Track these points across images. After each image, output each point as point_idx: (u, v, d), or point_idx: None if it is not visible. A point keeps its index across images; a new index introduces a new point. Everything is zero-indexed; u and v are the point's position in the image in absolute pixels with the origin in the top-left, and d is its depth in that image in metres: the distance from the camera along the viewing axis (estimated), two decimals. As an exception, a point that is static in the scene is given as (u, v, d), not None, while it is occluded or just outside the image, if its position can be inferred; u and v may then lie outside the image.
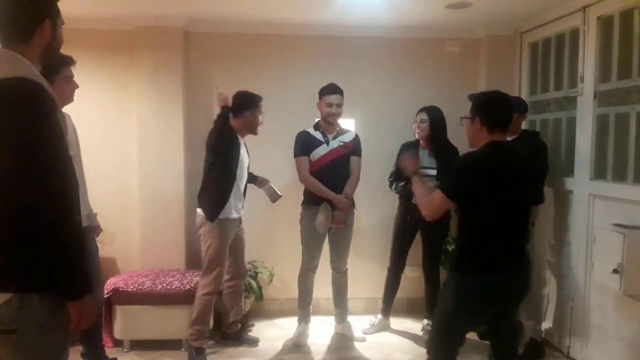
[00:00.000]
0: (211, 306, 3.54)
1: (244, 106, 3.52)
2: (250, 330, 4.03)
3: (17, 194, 1.47)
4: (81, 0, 3.39)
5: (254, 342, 3.81)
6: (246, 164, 3.64)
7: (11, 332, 1.52)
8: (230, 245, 3.57)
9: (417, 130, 3.83)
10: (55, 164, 1.53)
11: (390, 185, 3.98)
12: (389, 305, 4.11)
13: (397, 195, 3.99)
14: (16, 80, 1.50)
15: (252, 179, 3.82)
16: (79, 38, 3.71)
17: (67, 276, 1.55)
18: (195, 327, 3.47)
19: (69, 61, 2.79)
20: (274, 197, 3.75)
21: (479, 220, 2.39)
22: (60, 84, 2.71)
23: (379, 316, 4.11)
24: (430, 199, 2.45)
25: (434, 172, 3.77)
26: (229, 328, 3.82)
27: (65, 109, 2.89)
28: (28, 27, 1.60)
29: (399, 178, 3.91)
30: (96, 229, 3.26)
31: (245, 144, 3.63)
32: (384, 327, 4.10)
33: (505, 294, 2.42)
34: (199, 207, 3.53)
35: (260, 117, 3.58)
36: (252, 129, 3.58)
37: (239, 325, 3.86)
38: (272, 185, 3.78)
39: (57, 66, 2.66)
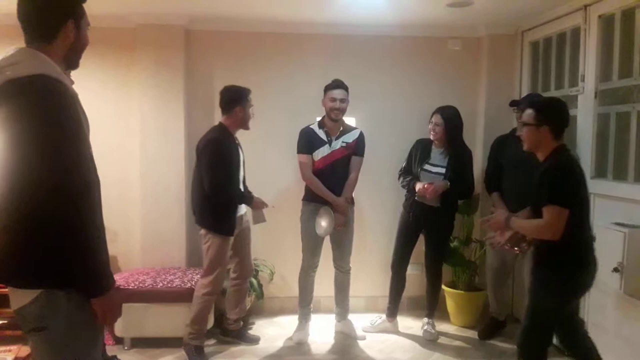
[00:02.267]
0: (211, 306, 3.52)
1: (234, 102, 3.45)
2: (250, 329, 4.04)
3: (41, 191, 1.47)
4: (83, -1, 3.42)
5: (254, 340, 3.81)
6: (242, 164, 3.58)
7: (42, 330, 1.54)
8: (235, 243, 3.56)
9: (432, 133, 3.79)
10: (77, 161, 1.53)
11: (399, 178, 3.96)
12: (394, 306, 4.03)
13: (402, 192, 3.98)
14: (38, 78, 1.51)
15: (248, 199, 3.59)
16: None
17: (88, 273, 1.55)
18: (194, 326, 3.46)
19: None
20: (258, 219, 3.64)
21: (576, 220, 2.46)
22: None
23: (382, 316, 4.09)
24: (545, 222, 2.44)
25: (442, 170, 3.76)
26: (231, 325, 3.82)
27: None
28: (52, 28, 1.62)
29: (408, 173, 3.91)
30: None
31: (237, 138, 3.58)
32: (387, 328, 4.04)
33: (588, 286, 2.59)
34: (200, 223, 3.46)
35: (250, 110, 3.51)
36: (243, 124, 3.52)
37: (242, 323, 3.87)
38: (263, 211, 3.67)
39: None
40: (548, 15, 3.85)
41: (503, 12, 3.89)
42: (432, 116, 3.81)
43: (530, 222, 2.59)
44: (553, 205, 2.41)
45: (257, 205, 3.61)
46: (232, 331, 3.82)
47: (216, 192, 3.35)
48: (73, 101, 1.57)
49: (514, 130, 3.72)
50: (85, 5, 1.74)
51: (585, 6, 3.44)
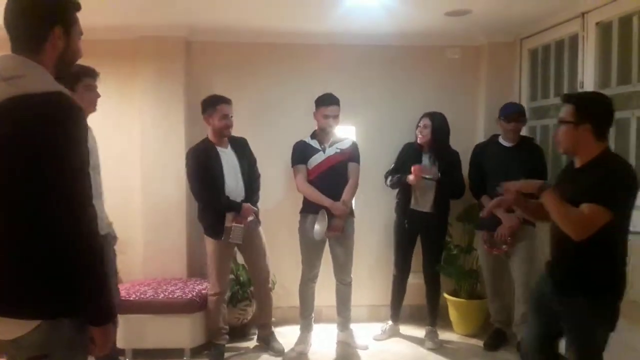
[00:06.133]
0: (216, 306, 3.64)
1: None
2: (252, 339, 4.03)
3: (63, 217, 1.42)
4: (83, 10, 3.42)
5: (278, 351, 3.79)
6: (232, 171, 3.59)
7: (43, 358, 1.48)
8: (243, 251, 3.77)
9: (419, 136, 3.86)
10: (89, 182, 1.48)
11: (386, 180, 3.99)
12: (397, 310, 4.13)
13: (395, 201, 4.01)
14: (56, 96, 1.44)
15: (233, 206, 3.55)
16: (82, 48, 3.73)
17: (94, 302, 1.51)
18: (209, 325, 3.70)
19: (91, 72, 2.80)
20: (235, 238, 3.52)
21: (623, 237, 2.22)
22: (81, 91, 2.74)
23: (389, 322, 4.13)
24: (580, 215, 2.09)
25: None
26: (259, 331, 3.93)
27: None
28: (39, 35, 1.52)
29: (395, 173, 3.94)
30: (113, 239, 3.29)
31: (234, 148, 3.64)
32: (396, 332, 4.13)
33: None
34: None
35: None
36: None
37: (269, 329, 3.90)
38: (241, 227, 3.53)
39: (81, 74, 2.69)
40: (546, 22, 3.87)
41: (501, 20, 3.90)
42: (420, 120, 3.89)
43: (566, 205, 2.14)
44: (597, 204, 2.07)
45: (244, 212, 3.55)
46: (260, 337, 3.92)
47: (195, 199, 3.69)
48: (84, 116, 1.52)
49: (494, 136, 3.83)
50: (85, 17, 1.69)
51: (583, 14, 3.46)
